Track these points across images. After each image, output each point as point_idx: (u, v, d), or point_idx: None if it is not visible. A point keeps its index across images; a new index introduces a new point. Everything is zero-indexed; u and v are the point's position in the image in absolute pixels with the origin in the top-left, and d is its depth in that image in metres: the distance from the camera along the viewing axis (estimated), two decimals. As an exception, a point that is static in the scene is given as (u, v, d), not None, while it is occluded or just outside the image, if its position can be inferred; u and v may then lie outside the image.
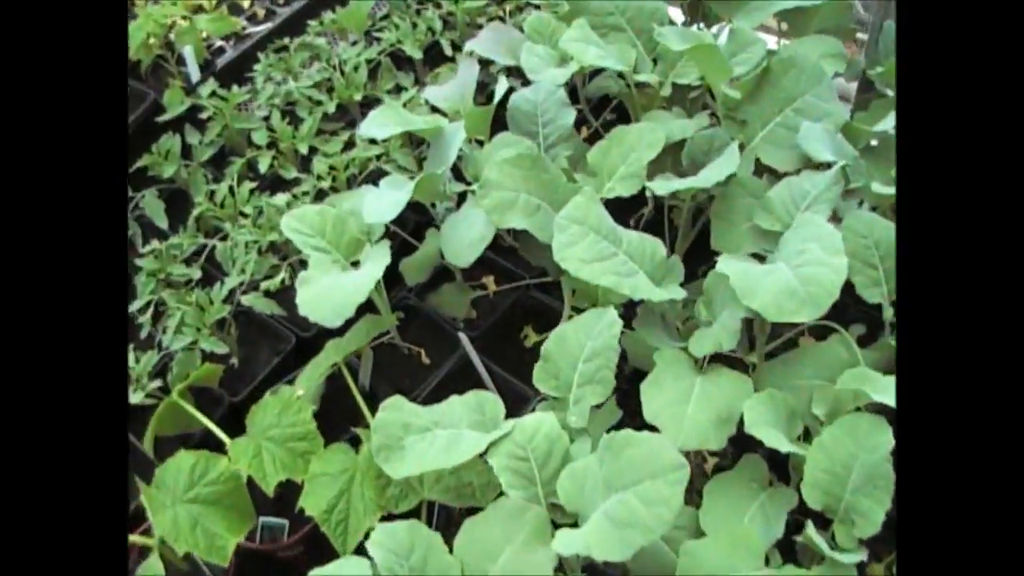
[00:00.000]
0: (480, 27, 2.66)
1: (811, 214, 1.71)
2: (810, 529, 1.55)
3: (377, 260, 1.83)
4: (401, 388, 2.15)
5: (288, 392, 1.90)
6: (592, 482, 1.48)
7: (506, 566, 1.48)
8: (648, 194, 1.92)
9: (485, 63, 2.54)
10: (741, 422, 1.62)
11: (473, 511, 1.58)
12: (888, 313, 1.81)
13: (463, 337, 2.08)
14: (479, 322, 2.28)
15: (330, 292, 1.76)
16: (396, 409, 1.61)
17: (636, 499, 1.39)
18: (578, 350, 1.68)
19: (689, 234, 2.18)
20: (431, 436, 1.60)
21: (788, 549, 1.69)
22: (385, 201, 1.88)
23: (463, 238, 1.88)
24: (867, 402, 1.60)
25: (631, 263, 1.75)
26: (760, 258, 1.84)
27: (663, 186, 1.88)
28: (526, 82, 2.25)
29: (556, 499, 1.55)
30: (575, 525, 1.50)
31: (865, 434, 1.54)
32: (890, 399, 1.54)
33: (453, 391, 2.12)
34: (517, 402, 2.07)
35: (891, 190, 1.84)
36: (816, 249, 1.61)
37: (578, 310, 1.92)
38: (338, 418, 2.03)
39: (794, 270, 1.61)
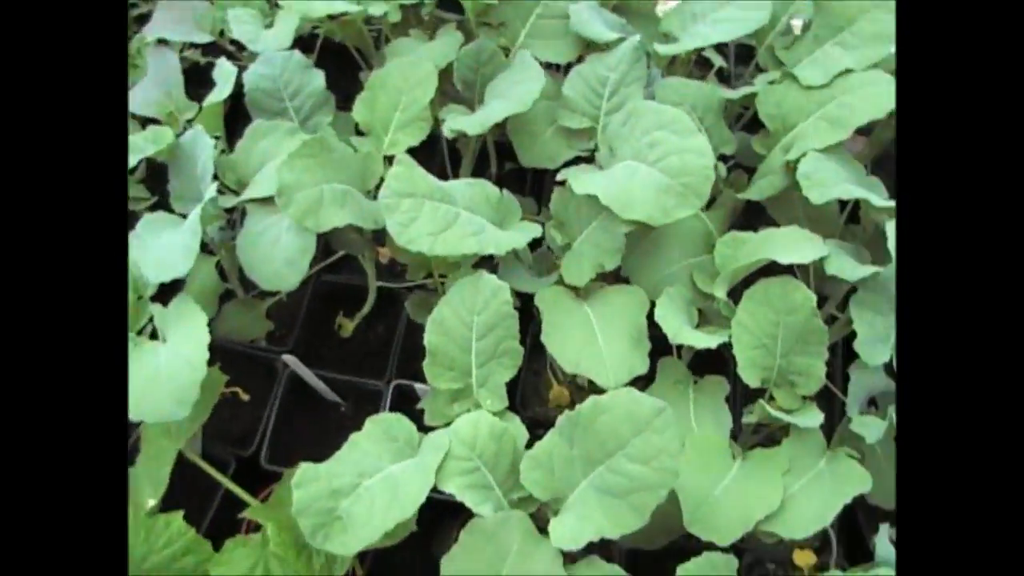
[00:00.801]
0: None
1: (644, 101, 1.61)
2: (760, 405, 1.52)
3: (191, 328, 1.52)
4: (237, 437, 1.90)
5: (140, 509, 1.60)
6: (562, 463, 1.36)
7: (514, 585, 1.35)
8: (450, 136, 1.74)
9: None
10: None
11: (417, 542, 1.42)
12: (720, 169, 1.78)
13: (287, 359, 1.84)
14: (283, 332, 2.04)
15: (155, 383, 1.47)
16: (313, 480, 1.38)
17: (630, 462, 1.29)
18: (466, 330, 1.52)
19: (476, 152, 2.03)
20: (364, 493, 1.39)
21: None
22: (170, 249, 1.57)
23: (275, 258, 1.62)
24: (762, 263, 1.58)
25: (476, 217, 1.59)
26: (584, 160, 1.74)
27: (471, 123, 1.70)
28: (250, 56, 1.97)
29: (519, 494, 1.42)
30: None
31: (780, 298, 1.52)
32: (779, 254, 1.53)
33: (297, 421, 1.91)
34: (373, 401, 1.89)
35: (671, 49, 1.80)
36: (669, 136, 1.52)
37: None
38: (189, 503, 1.71)
39: (654, 166, 1.53)
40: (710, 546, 1.40)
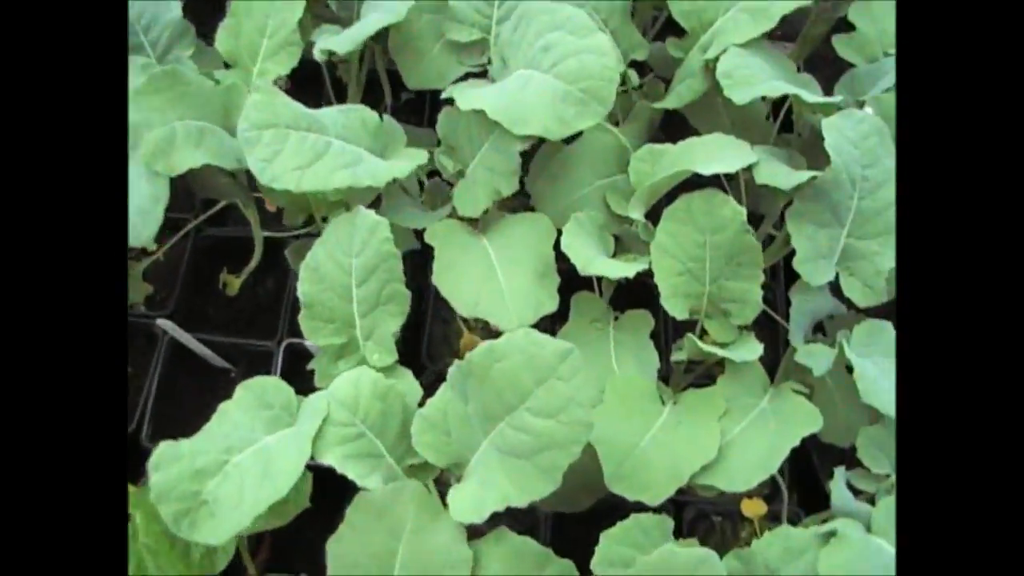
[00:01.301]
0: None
1: (537, 2, 1.39)
2: (688, 339, 1.33)
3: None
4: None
5: None
6: (458, 421, 1.16)
7: (411, 564, 1.15)
8: (321, 58, 1.51)
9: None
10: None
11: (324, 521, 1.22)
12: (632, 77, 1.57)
13: (164, 324, 1.62)
14: (164, 295, 1.81)
15: None
16: (174, 459, 1.16)
17: (534, 416, 1.09)
18: (344, 275, 1.30)
19: (362, 81, 1.80)
20: (233, 471, 1.17)
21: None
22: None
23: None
24: (682, 177, 1.37)
25: (351, 147, 1.36)
26: (478, 77, 1.52)
27: (341, 40, 1.47)
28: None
29: (412, 460, 1.22)
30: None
31: (705, 214, 1.31)
32: (701, 164, 1.33)
33: (182, 393, 1.70)
34: (265, 364, 1.67)
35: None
36: (565, 37, 1.31)
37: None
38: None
39: (549, 72, 1.31)
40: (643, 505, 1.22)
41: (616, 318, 1.44)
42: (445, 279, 1.33)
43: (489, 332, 1.71)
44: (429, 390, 1.59)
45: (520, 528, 1.52)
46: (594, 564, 1.16)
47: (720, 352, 1.29)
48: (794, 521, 1.46)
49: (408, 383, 1.28)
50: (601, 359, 1.38)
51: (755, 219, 1.55)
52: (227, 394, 1.67)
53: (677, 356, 1.38)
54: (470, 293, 1.32)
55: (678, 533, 1.49)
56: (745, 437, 1.26)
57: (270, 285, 1.83)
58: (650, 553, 1.11)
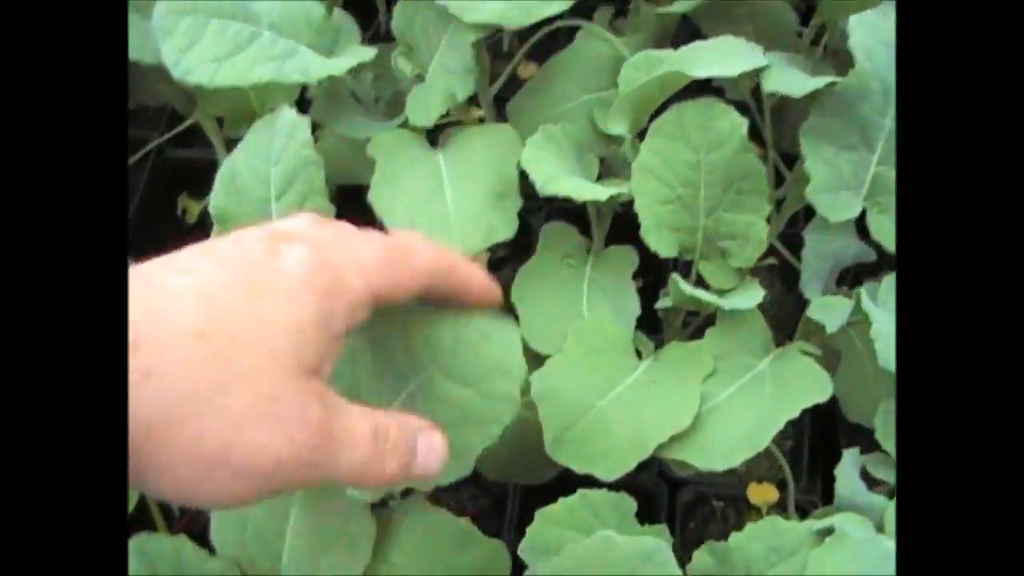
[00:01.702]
0: None
1: None
2: (673, 282, 1.08)
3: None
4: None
5: None
6: (369, 378, 0.93)
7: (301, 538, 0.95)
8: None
9: None
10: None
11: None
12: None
13: None
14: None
15: None
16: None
17: (450, 381, 0.85)
18: (262, 186, 1.09)
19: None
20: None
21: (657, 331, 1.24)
22: None
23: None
24: (678, 85, 1.12)
25: (284, 39, 1.14)
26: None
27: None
28: None
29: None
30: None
31: (699, 128, 1.06)
32: (699, 67, 1.07)
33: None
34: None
35: None
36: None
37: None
38: None
39: (511, -55, 1.08)
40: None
41: (596, 256, 1.20)
42: (381, 196, 1.10)
43: None
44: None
45: (488, 500, 1.33)
46: (522, 547, 0.94)
47: (708, 298, 1.04)
48: (806, 514, 1.20)
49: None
50: (570, 303, 1.14)
51: (789, 161, 1.30)
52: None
53: (663, 303, 1.14)
54: (408, 212, 1.09)
55: (671, 519, 1.28)
56: (732, 404, 1.01)
57: (232, 213, 1.63)
58: (590, 540, 0.87)
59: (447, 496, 1.36)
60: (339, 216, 1.24)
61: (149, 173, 1.62)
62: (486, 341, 0.82)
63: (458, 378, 0.83)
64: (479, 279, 0.78)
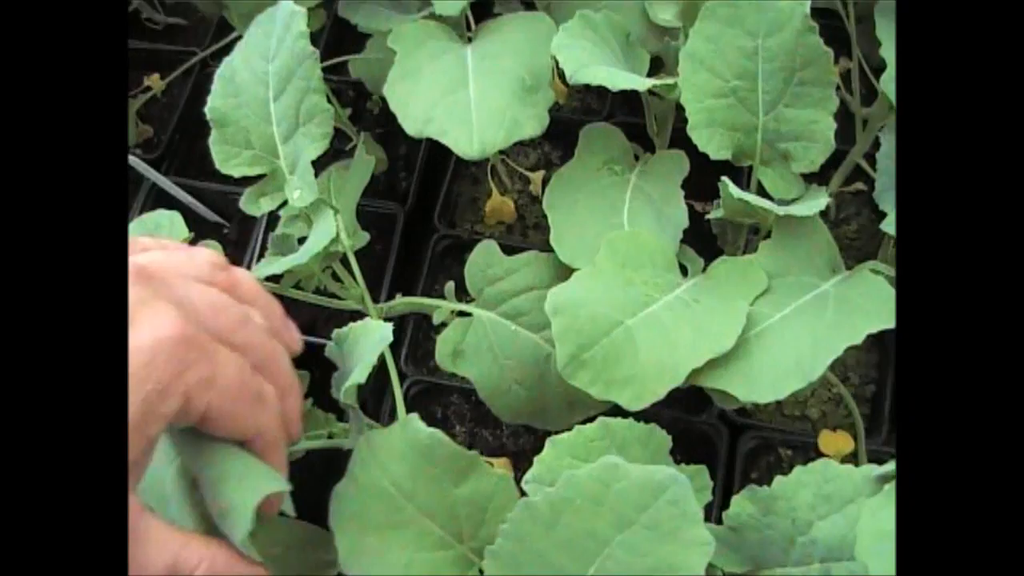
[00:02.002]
0: None
1: None
2: (724, 187, 0.93)
3: None
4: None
5: None
6: None
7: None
8: None
9: None
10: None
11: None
12: None
13: (141, 168, 1.35)
14: (162, 137, 1.55)
15: None
16: None
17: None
18: (259, 86, 0.99)
19: None
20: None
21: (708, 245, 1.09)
22: None
23: None
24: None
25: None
26: None
27: None
28: None
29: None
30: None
31: (757, 9, 0.91)
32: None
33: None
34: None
35: None
36: None
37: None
38: None
39: None
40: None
41: (644, 163, 1.06)
42: (397, 90, 0.99)
43: (528, 197, 1.38)
44: (441, 257, 1.28)
45: (529, 440, 1.22)
46: (527, 479, 0.81)
47: (759, 202, 0.89)
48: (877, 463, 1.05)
49: (324, 221, 0.95)
50: (609, 213, 1.01)
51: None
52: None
53: (714, 213, 0.99)
54: (425, 105, 0.97)
55: (729, 468, 1.14)
56: (785, 327, 0.87)
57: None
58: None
59: (485, 433, 1.25)
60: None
61: (192, 88, 1.54)
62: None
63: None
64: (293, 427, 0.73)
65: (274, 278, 0.98)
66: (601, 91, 1.41)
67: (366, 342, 0.84)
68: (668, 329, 0.86)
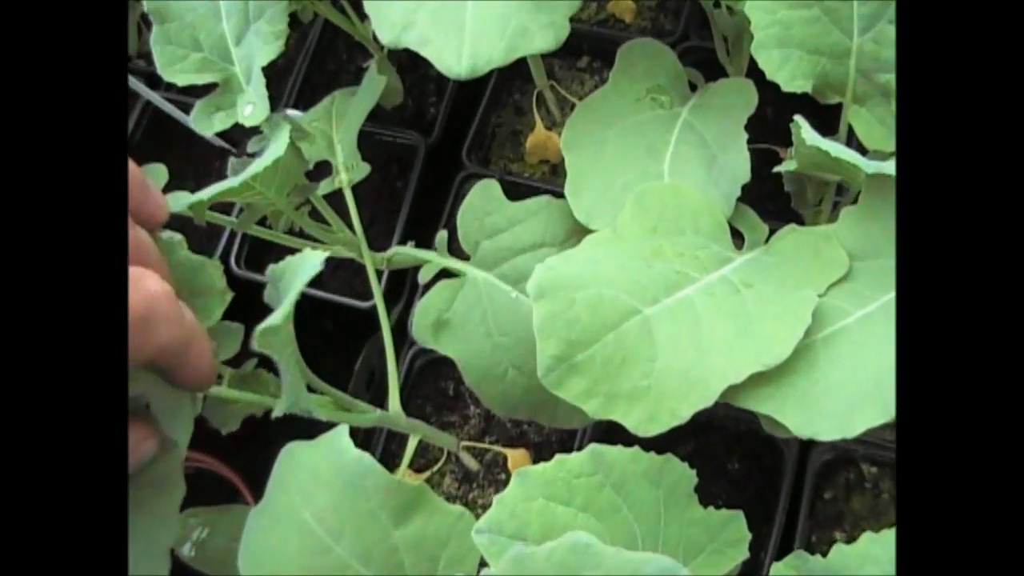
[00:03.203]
0: None
1: None
2: (796, 128, 0.67)
3: None
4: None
5: None
6: None
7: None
8: None
9: None
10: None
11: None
12: None
13: (134, 83, 1.16)
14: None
15: None
16: None
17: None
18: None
19: None
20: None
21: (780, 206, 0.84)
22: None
23: None
24: None
25: None
26: None
27: None
28: None
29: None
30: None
31: None
32: None
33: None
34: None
35: None
36: None
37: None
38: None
39: None
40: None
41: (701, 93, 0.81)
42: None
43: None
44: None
45: (556, 431, 1.01)
46: (477, 528, 0.59)
47: (840, 152, 0.63)
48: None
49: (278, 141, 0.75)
50: (645, 157, 0.76)
51: None
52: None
53: (785, 166, 0.74)
54: (405, 7, 0.73)
55: (798, 485, 0.91)
56: (866, 331, 0.62)
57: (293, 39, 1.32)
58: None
59: (507, 422, 1.03)
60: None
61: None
62: None
63: None
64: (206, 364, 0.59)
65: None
66: (676, 9, 1.15)
67: (297, 275, 0.63)
68: (702, 324, 0.63)
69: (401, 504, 0.61)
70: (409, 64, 1.22)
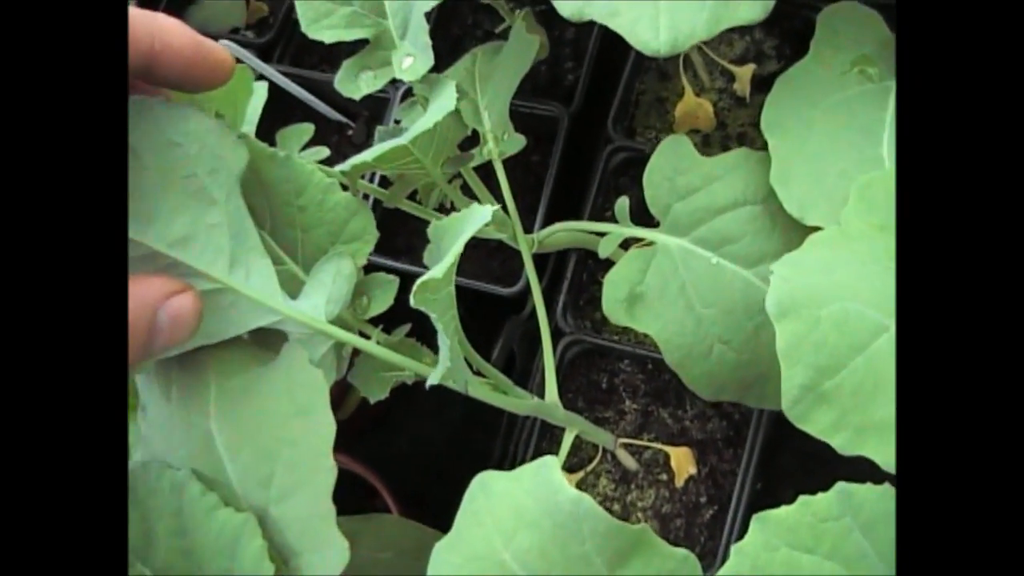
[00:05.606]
0: None
1: None
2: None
3: None
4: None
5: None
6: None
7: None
8: None
9: None
10: None
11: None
12: None
13: (242, 55, 1.09)
14: (265, 9, 1.29)
15: None
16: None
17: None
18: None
19: None
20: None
21: None
22: None
23: None
24: None
25: None
26: None
27: None
28: None
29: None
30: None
31: None
32: None
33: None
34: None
35: None
36: None
37: None
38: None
39: None
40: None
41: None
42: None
43: (731, 98, 1.06)
44: (614, 175, 0.99)
45: (719, 424, 0.94)
46: (715, 581, 0.53)
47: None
48: None
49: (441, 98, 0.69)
50: (860, 141, 0.68)
51: None
52: (341, 156, 1.15)
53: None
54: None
55: None
56: None
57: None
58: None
59: (663, 412, 0.96)
60: None
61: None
62: None
63: None
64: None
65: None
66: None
67: (462, 230, 0.57)
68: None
69: (619, 548, 0.54)
70: (542, 26, 1.13)
